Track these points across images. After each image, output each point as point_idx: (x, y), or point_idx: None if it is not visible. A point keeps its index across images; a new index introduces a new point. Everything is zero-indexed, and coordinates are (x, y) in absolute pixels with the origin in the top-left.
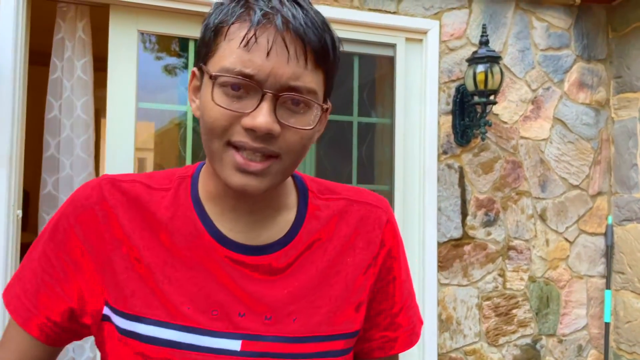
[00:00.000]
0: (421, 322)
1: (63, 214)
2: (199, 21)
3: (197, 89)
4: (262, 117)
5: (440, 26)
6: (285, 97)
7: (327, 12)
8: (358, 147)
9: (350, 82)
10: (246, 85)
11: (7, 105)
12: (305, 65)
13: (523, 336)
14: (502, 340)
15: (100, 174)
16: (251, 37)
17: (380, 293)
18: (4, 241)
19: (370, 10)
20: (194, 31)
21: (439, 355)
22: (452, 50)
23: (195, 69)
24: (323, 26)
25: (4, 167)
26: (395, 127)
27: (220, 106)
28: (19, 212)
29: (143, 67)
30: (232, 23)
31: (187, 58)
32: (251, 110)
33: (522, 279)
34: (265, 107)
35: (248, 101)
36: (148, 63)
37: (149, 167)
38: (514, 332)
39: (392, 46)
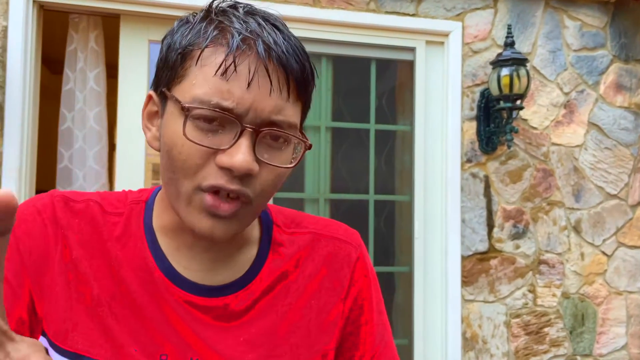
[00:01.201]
0: None
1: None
2: None
3: (154, 115)
4: (241, 155)
5: (463, 27)
6: (266, 132)
7: (342, 16)
8: (376, 156)
9: (366, 89)
10: (223, 119)
11: (17, 117)
12: (287, 97)
13: (556, 356)
14: None
15: (114, 184)
16: (230, 65)
17: (350, 338)
18: None
19: (387, 13)
20: None
21: None
22: (476, 52)
23: (152, 92)
24: (303, 54)
25: (13, 180)
26: (416, 134)
27: (194, 142)
28: None
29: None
30: (206, 47)
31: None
32: (228, 146)
33: (554, 295)
34: (245, 144)
35: (224, 136)
36: None
37: None
38: (545, 352)
39: (412, 50)
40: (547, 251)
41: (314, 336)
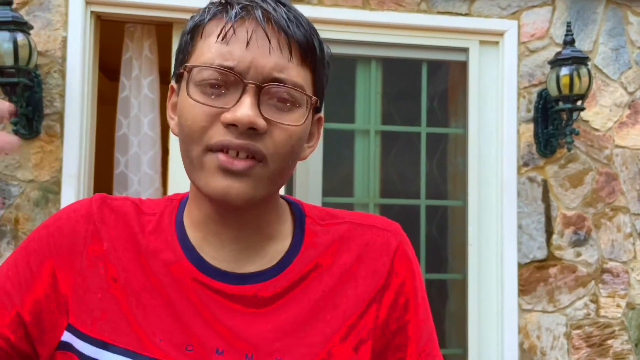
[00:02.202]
0: None
1: (44, 223)
2: None
3: (176, 106)
4: (244, 109)
5: (519, 26)
6: (269, 89)
7: (393, 18)
8: (427, 160)
9: (418, 91)
10: (226, 80)
11: (75, 124)
12: (289, 57)
13: None
14: None
15: (167, 189)
16: (229, 30)
17: (395, 337)
18: None
19: (439, 13)
20: None
21: None
22: (532, 52)
23: (173, 82)
24: (308, 24)
25: (72, 185)
26: (469, 137)
27: (198, 102)
28: None
29: None
30: (209, 20)
31: None
32: (232, 105)
33: (618, 305)
34: (248, 99)
35: (229, 97)
36: None
37: None
38: None
39: (465, 50)
40: (610, 259)
41: (347, 325)
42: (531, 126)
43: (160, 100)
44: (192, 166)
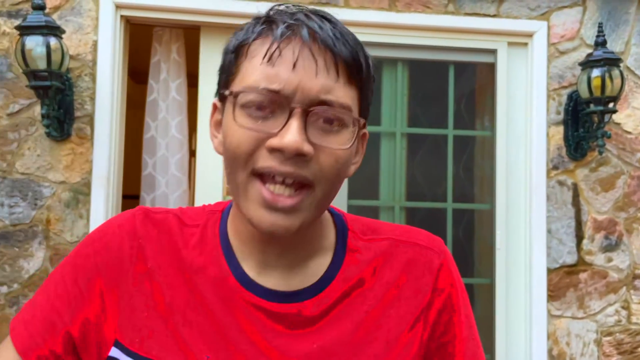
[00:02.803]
0: None
1: (90, 240)
2: None
3: (219, 123)
4: (290, 135)
5: (549, 27)
6: (316, 111)
7: (419, 19)
8: (454, 163)
9: (444, 93)
10: (272, 104)
11: (105, 125)
12: (336, 77)
13: None
14: None
15: (194, 191)
16: (274, 51)
17: (438, 355)
18: None
19: (466, 14)
20: None
21: None
22: (562, 53)
23: (216, 100)
24: (354, 40)
25: (102, 188)
26: (497, 139)
27: (243, 126)
28: None
29: None
30: (254, 40)
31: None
32: (278, 129)
33: None
34: (295, 124)
35: (275, 121)
36: None
37: None
38: None
39: (493, 52)
40: None
41: (392, 347)
42: (561, 129)
43: (187, 103)
44: (237, 191)
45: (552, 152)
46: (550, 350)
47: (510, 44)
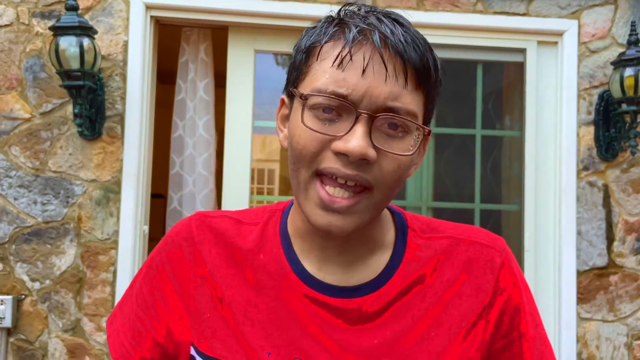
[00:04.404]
0: None
1: (158, 250)
2: None
3: (286, 118)
4: (355, 140)
5: (579, 26)
6: (381, 118)
7: (448, 18)
8: (482, 163)
9: (472, 93)
10: (339, 107)
11: (135, 124)
12: (405, 84)
13: None
14: None
15: (221, 190)
16: (345, 55)
17: (503, 354)
18: (131, 255)
19: (495, 13)
20: None
21: None
22: (593, 52)
23: (284, 96)
24: (425, 44)
25: (132, 187)
26: (526, 140)
27: (310, 129)
28: (146, 228)
29: (259, 84)
30: (325, 42)
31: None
32: (344, 133)
33: None
34: (360, 129)
35: (341, 124)
36: (263, 80)
37: (276, 179)
38: None
39: (522, 51)
40: None
41: (453, 345)
42: (591, 129)
43: (214, 103)
44: (298, 188)
45: (583, 153)
46: (579, 354)
47: (540, 43)
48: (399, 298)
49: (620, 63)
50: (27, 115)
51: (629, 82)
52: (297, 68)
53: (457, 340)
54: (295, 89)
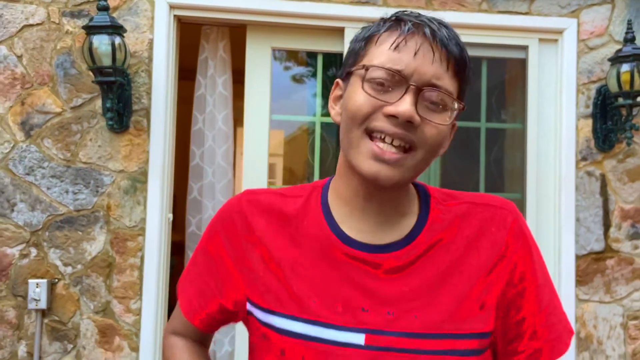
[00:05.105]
0: (570, 332)
1: (214, 222)
2: (327, 36)
3: (338, 98)
4: (405, 104)
5: (579, 24)
6: (427, 91)
7: (454, 17)
8: (486, 154)
9: (477, 87)
10: (393, 80)
11: (160, 118)
12: (446, 69)
13: None
14: None
15: (241, 181)
16: (401, 41)
17: (517, 300)
18: (157, 241)
19: (499, 12)
20: (322, 45)
21: None
22: (592, 49)
23: (338, 79)
24: (463, 45)
25: (157, 177)
26: (528, 132)
27: (368, 93)
28: (170, 216)
29: (276, 80)
30: (384, 32)
31: (315, 71)
32: (395, 100)
33: None
34: (409, 98)
35: (393, 94)
36: (279, 76)
37: (279, 172)
38: None
39: (524, 48)
40: None
41: (472, 288)
42: (590, 122)
43: (232, 98)
44: (349, 145)
45: (581, 144)
46: (578, 333)
47: (541, 40)
48: (425, 253)
49: (617, 59)
50: (59, 110)
51: (625, 78)
52: (356, 53)
53: (476, 286)
54: (353, 68)
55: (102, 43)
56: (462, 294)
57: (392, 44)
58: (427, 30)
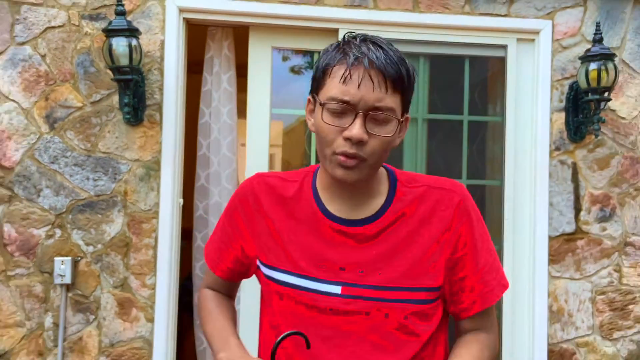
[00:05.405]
0: (504, 286)
1: (232, 199)
2: (322, 36)
3: (312, 111)
4: (356, 129)
5: (553, 25)
6: (371, 114)
7: (439, 19)
8: (469, 145)
9: (461, 83)
10: (345, 108)
11: (172, 112)
12: (386, 91)
13: None
14: (617, 334)
15: (241, 169)
16: (347, 75)
17: (460, 262)
18: (170, 223)
19: (481, 14)
20: (318, 44)
21: (549, 344)
22: (565, 48)
23: (310, 96)
24: (399, 61)
25: (169, 166)
26: (507, 124)
27: (328, 124)
28: (181, 201)
29: (276, 77)
30: (334, 65)
31: (312, 68)
32: (348, 125)
33: None
34: (358, 122)
35: (346, 119)
36: (280, 73)
37: (277, 162)
38: (630, 328)
39: (503, 47)
40: (633, 234)
41: (425, 253)
42: (563, 115)
43: (237, 93)
44: (324, 158)
45: (555, 135)
46: (550, 307)
47: (519, 40)
48: (390, 226)
49: (586, 58)
50: (79, 104)
51: (593, 75)
52: (317, 80)
53: (428, 250)
54: (317, 96)
55: (119, 45)
56: (416, 257)
57: (341, 78)
58: (366, 62)
